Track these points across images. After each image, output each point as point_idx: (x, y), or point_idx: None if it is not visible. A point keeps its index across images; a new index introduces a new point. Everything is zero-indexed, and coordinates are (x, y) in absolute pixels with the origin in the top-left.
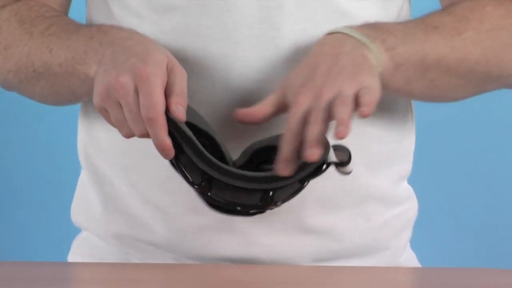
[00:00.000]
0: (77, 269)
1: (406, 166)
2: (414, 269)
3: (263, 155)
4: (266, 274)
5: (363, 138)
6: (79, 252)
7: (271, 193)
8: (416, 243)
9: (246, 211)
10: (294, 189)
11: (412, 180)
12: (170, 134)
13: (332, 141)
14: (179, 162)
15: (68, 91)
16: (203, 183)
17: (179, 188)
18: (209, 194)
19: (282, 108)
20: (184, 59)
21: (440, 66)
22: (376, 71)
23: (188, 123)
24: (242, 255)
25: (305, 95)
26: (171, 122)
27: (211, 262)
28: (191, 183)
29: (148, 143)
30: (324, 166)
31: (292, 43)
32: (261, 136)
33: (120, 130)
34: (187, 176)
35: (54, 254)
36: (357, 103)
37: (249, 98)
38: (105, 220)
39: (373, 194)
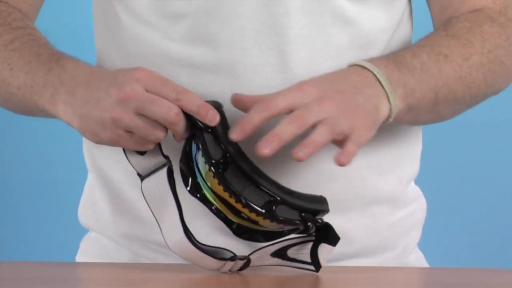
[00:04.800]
0: (85, 269)
1: (413, 167)
2: (416, 269)
3: None
4: (271, 273)
5: (372, 142)
6: (87, 252)
7: (276, 202)
8: (424, 243)
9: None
10: (293, 216)
11: (420, 181)
12: (191, 119)
13: None
14: (202, 138)
15: (24, 111)
16: (221, 161)
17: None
18: (220, 171)
19: None
20: (193, 66)
21: (448, 99)
22: (378, 124)
23: None
24: None
25: (312, 87)
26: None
27: None
28: (210, 158)
29: None
30: (321, 219)
31: (298, 48)
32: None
33: (153, 134)
34: (207, 151)
35: (62, 254)
36: (341, 143)
37: None
38: (114, 222)
39: (380, 196)
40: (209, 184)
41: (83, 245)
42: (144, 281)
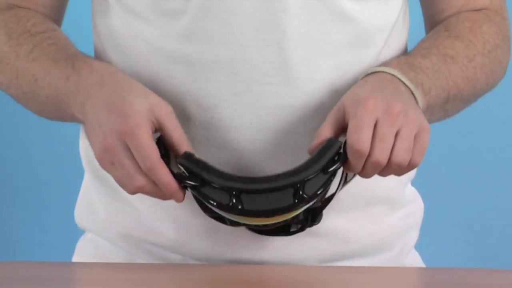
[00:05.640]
0: (82, 269)
1: None
2: (414, 269)
3: None
4: (272, 274)
5: None
6: (84, 253)
7: (300, 187)
8: (421, 245)
9: (285, 222)
10: (322, 180)
11: (416, 182)
12: (188, 173)
13: None
14: (202, 195)
15: (57, 118)
16: (234, 201)
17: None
18: (240, 208)
19: (341, 127)
20: (191, 63)
21: (457, 98)
22: None
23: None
24: (249, 258)
25: (375, 101)
26: (180, 162)
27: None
28: (223, 207)
29: None
30: (342, 152)
31: (297, 45)
32: (267, 139)
33: (124, 187)
34: (218, 202)
35: (59, 256)
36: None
37: (255, 101)
38: (111, 222)
39: (378, 196)
40: (238, 218)
41: (79, 246)
42: (142, 282)
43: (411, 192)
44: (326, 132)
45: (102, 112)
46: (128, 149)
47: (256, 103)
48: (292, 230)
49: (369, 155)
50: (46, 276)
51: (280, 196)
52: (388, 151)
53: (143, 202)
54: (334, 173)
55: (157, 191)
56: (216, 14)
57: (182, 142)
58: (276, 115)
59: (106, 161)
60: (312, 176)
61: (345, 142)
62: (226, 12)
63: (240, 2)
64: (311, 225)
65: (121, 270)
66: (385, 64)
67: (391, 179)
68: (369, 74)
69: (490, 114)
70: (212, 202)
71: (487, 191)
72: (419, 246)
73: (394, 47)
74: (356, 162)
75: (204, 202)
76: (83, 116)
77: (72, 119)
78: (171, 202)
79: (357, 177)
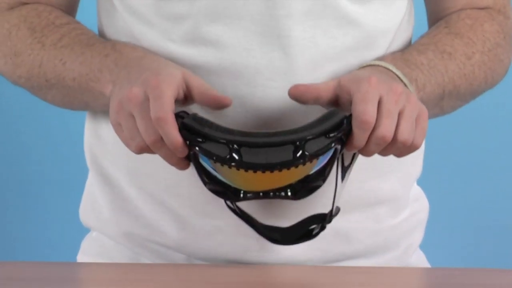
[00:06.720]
0: (85, 269)
1: (415, 169)
2: (417, 269)
3: None
4: (274, 274)
5: None
6: (88, 251)
7: (300, 145)
8: (425, 244)
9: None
10: (323, 144)
11: (421, 181)
12: (186, 130)
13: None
14: (203, 150)
15: (81, 103)
16: (233, 154)
17: (189, 192)
18: (238, 159)
19: (335, 98)
20: (195, 66)
21: (452, 95)
22: None
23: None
24: (252, 258)
25: (378, 80)
26: (184, 121)
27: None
28: (223, 158)
29: None
30: (345, 122)
31: (302, 50)
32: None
33: (131, 141)
34: (217, 155)
35: (64, 254)
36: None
37: (258, 105)
38: (114, 220)
39: (381, 197)
40: (239, 180)
41: (84, 244)
42: (144, 281)
43: (415, 191)
44: (323, 91)
45: (136, 73)
46: (147, 102)
47: (259, 106)
48: (314, 232)
49: (375, 129)
50: (47, 276)
51: (280, 152)
52: (394, 127)
53: (146, 202)
54: (336, 140)
55: (161, 148)
56: (220, 19)
57: (209, 90)
58: (279, 119)
59: (124, 111)
60: (313, 137)
61: (349, 116)
62: (231, 17)
63: (244, 7)
64: (330, 221)
65: (124, 270)
66: (380, 58)
67: (394, 180)
68: (365, 66)
69: (497, 114)
70: (214, 157)
71: (492, 191)
72: (424, 246)
73: (398, 47)
74: (360, 134)
75: (205, 167)
76: (113, 84)
77: (97, 98)
78: (175, 203)
79: (355, 165)
